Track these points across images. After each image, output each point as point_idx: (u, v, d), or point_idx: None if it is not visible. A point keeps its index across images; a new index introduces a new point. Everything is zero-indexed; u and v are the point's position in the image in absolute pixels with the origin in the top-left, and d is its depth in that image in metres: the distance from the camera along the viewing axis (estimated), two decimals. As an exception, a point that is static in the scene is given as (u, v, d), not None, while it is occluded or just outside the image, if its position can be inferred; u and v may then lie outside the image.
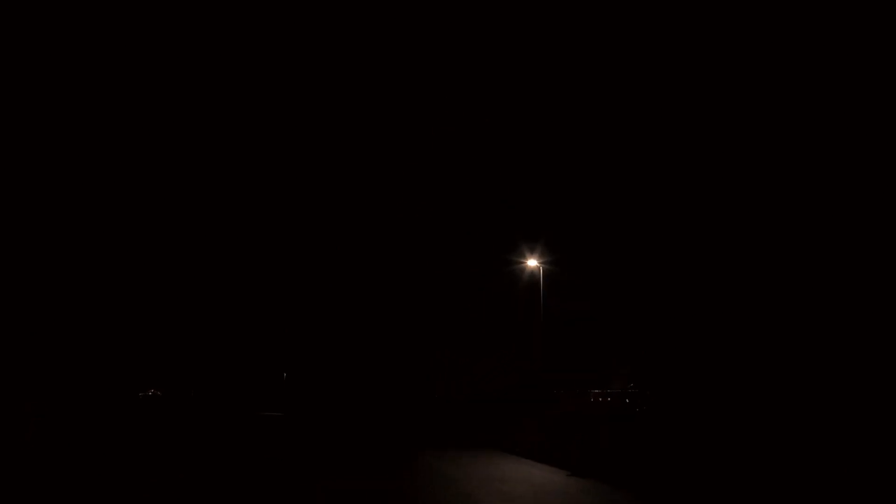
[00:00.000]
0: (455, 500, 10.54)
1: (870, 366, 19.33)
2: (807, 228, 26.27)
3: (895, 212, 23.00)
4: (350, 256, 54.77)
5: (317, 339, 64.97)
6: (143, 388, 75.01)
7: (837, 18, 27.18)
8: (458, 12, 57.62)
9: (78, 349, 60.24)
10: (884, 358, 19.08)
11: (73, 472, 14.13)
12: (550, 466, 15.66)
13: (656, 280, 32.99)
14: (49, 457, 17.59)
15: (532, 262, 30.23)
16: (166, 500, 10.98)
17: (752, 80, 31.87)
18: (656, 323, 31.64)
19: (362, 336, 53.78)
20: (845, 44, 26.74)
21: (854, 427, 10.10)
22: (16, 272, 51.28)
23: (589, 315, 35.70)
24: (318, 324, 63.87)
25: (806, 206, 26.68)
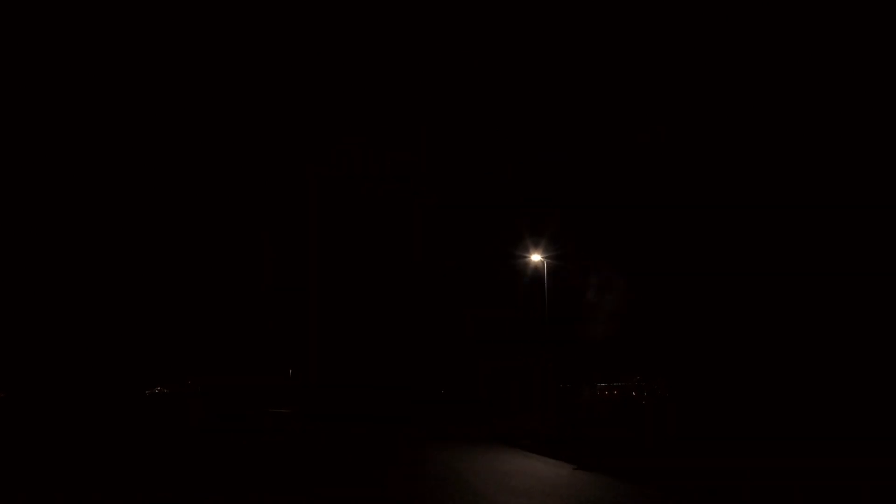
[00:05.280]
0: (464, 495, 10.61)
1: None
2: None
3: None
4: (350, 255, 54.71)
5: (322, 335, 64.86)
6: (149, 386, 75.26)
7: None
8: (461, 12, 57.63)
9: (85, 348, 60.43)
10: None
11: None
12: (556, 460, 15.73)
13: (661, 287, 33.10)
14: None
15: (536, 257, 30.05)
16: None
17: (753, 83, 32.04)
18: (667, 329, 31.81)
19: (369, 333, 53.58)
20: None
21: None
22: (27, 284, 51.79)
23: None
24: (322, 320, 63.75)
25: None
